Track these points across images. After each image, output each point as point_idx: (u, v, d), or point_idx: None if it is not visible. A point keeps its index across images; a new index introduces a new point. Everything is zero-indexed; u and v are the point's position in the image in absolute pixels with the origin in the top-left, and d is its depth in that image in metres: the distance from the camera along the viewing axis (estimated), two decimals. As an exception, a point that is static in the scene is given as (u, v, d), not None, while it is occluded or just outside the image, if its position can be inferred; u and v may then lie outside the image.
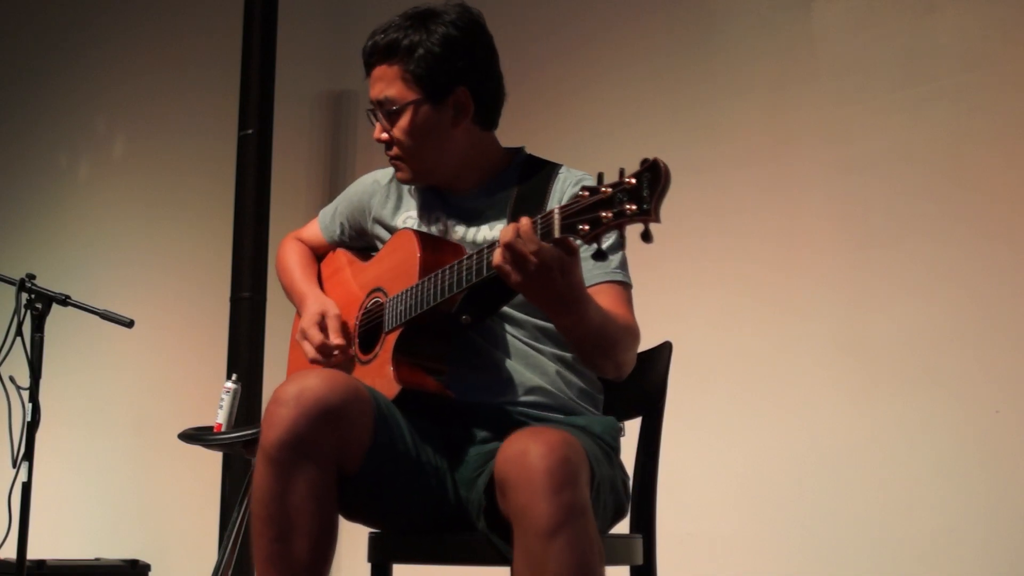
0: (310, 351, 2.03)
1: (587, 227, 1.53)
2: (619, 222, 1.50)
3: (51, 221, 5.70)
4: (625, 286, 1.95)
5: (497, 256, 1.65)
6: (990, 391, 2.75)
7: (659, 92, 3.52)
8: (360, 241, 2.22)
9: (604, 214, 1.51)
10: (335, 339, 2.01)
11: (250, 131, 4.29)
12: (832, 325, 3.03)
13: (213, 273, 4.51)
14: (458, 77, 1.97)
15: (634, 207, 1.48)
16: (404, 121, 1.97)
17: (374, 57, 1.99)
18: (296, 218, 4.32)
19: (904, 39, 3.01)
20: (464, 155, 2.03)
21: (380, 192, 2.16)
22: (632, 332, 1.89)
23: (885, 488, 2.87)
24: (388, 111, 1.98)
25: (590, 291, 1.82)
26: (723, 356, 3.19)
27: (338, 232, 2.25)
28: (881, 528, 2.86)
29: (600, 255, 1.56)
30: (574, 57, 3.82)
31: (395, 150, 2.01)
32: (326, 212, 2.29)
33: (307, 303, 2.13)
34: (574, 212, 1.55)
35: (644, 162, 1.49)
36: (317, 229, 2.30)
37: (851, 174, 3.06)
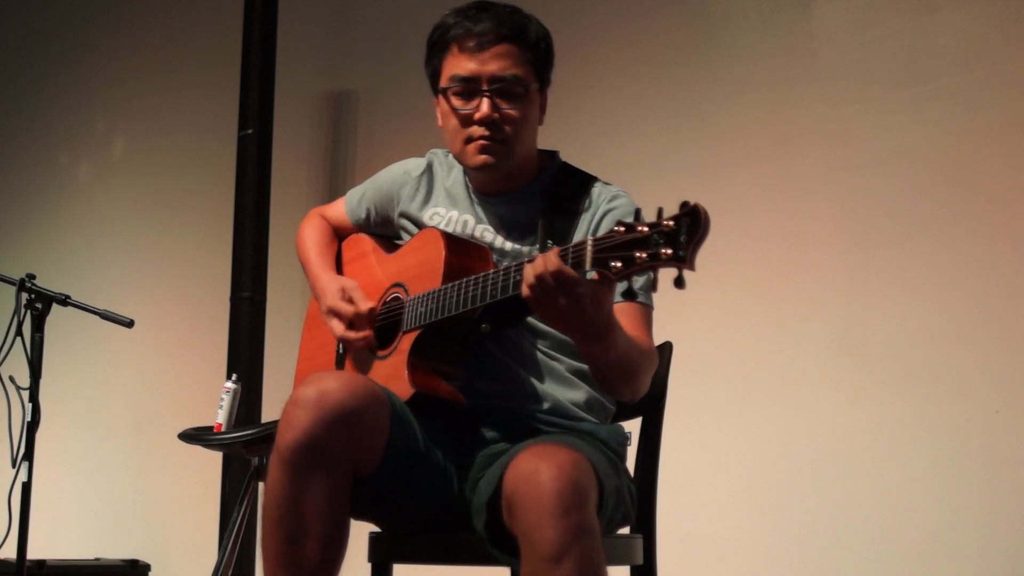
0: (338, 328, 2.00)
1: (619, 264, 1.50)
2: (652, 264, 1.47)
3: (51, 221, 5.70)
4: (645, 307, 1.93)
5: (525, 289, 1.63)
6: (990, 391, 2.74)
7: (659, 92, 3.52)
8: (385, 229, 2.20)
9: (638, 254, 1.48)
10: (364, 307, 1.99)
11: (250, 131, 4.29)
12: (832, 325, 3.03)
13: (213, 273, 4.51)
14: (550, 78, 2.02)
15: (669, 252, 1.45)
16: (528, 103, 1.95)
17: (493, 33, 1.93)
18: (296, 218, 4.30)
19: (904, 39, 3.01)
20: (532, 152, 2.03)
21: (410, 184, 2.13)
22: (652, 359, 1.88)
23: (885, 488, 2.87)
24: (511, 90, 1.93)
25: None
26: (723, 356, 3.19)
27: (364, 216, 2.22)
28: (881, 528, 2.86)
29: (630, 294, 1.55)
30: (574, 57, 3.80)
31: (505, 131, 1.95)
32: (354, 194, 2.26)
33: (322, 283, 2.11)
34: (608, 247, 1.52)
35: (684, 206, 1.46)
36: (343, 209, 2.26)
37: (851, 174, 3.06)
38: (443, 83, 1.97)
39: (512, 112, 1.94)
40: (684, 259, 1.44)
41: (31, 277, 2.93)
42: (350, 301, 2.01)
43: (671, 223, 1.46)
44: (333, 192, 4.55)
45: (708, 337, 3.19)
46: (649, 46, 3.59)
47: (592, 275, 1.57)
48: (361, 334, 1.98)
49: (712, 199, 3.32)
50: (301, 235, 2.27)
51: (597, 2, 3.79)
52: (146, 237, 5.19)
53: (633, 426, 2.10)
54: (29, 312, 2.90)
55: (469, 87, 1.94)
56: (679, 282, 1.46)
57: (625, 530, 2.02)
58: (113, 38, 5.62)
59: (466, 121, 1.95)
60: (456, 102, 1.96)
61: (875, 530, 2.86)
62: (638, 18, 3.63)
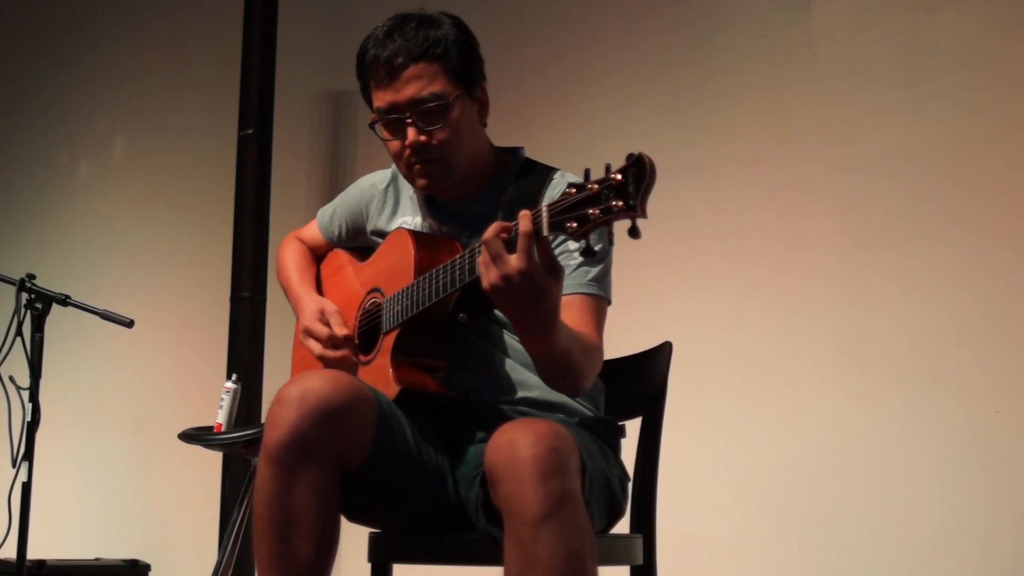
0: (316, 348, 2.01)
1: (575, 224, 1.52)
2: (606, 218, 1.49)
3: (51, 221, 5.70)
4: (598, 299, 1.91)
5: (479, 266, 1.64)
6: (990, 391, 2.75)
7: (659, 92, 3.52)
8: (358, 242, 2.22)
9: (591, 211, 1.50)
10: (340, 330, 2.00)
11: (250, 131, 4.29)
12: (832, 325, 3.03)
13: (213, 273, 4.51)
14: (480, 72, 1.99)
15: (620, 203, 1.47)
16: (454, 116, 1.92)
17: (401, 57, 1.91)
18: (296, 218, 4.33)
19: (904, 39, 3.01)
20: (481, 154, 2.01)
21: (378, 197, 2.15)
22: (596, 355, 1.85)
23: (885, 488, 2.87)
24: (431, 110, 1.91)
25: (562, 300, 1.77)
26: (723, 356, 3.19)
27: (336, 233, 2.25)
28: (881, 528, 2.86)
29: (589, 252, 1.55)
30: (574, 57, 3.82)
31: (437, 152, 1.93)
32: (324, 213, 2.28)
33: (303, 303, 2.13)
34: (561, 209, 1.54)
35: (629, 157, 1.48)
36: (316, 230, 2.29)
37: (851, 174, 3.06)
38: (372, 118, 1.98)
39: (439, 131, 1.92)
40: (635, 208, 1.46)
41: (31, 277, 2.93)
42: (327, 324, 2.02)
43: (618, 176, 1.48)
44: (333, 192, 4.52)
45: (708, 337, 3.19)
46: (649, 46, 3.59)
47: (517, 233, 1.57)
48: (338, 353, 1.99)
49: (712, 199, 3.36)
50: (281, 260, 2.30)
51: (598, 2, 3.79)
52: (146, 237, 5.19)
53: (633, 426, 2.10)
54: (29, 312, 2.90)
55: (392, 117, 1.94)
56: (633, 231, 1.47)
57: (625, 530, 2.02)
58: (113, 38, 5.62)
59: (399, 150, 1.96)
60: (385, 134, 1.97)
61: (875, 530, 2.86)
62: (638, 18, 3.64)
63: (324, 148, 4.71)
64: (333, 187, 4.57)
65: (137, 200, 5.30)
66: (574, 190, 1.53)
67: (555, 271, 1.62)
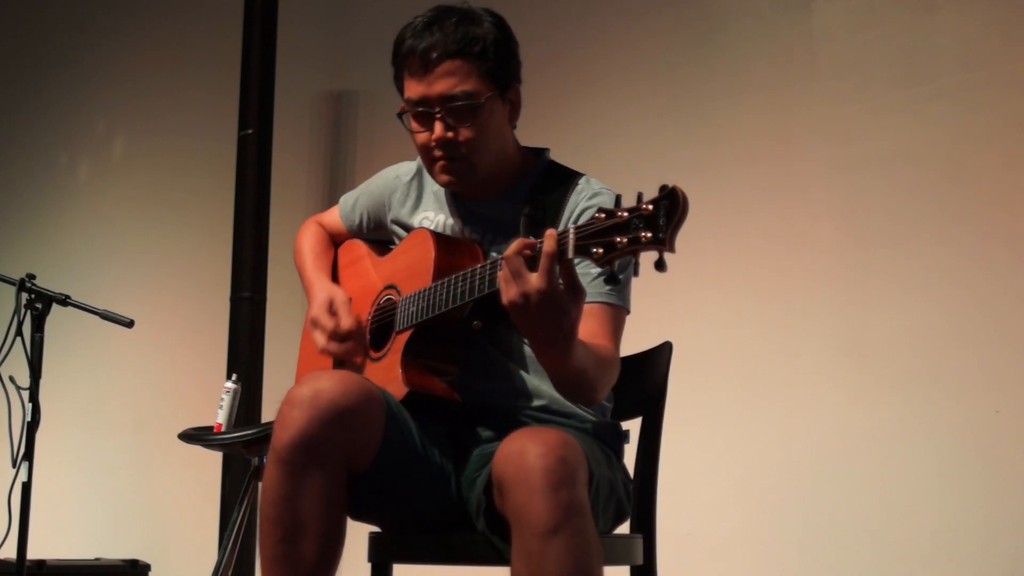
0: (321, 339, 1.99)
1: (601, 251, 1.50)
2: (633, 248, 1.47)
3: (51, 221, 5.71)
4: (617, 309, 1.89)
5: (500, 280, 1.63)
6: (990, 391, 2.75)
7: (659, 92, 3.52)
8: (379, 234, 2.20)
9: (619, 239, 1.48)
10: (346, 323, 1.97)
11: (250, 131, 4.29)
12: (832, 325, 3.03)
13: (213, 273, 4.51)
14: (515, 74, 1.97)
15: (649, 235, 1.45)
16: (483, 117, 1.90)
17: (438, 52, 1.88)
18: (296, 218, 4.32)
19: (904, 39, 3.01)
20: (506, 156, 1.99)
21: (400, 189, 2.13)
22: (612, 369, 1.84)
23: (885, 488, 2.87)
24: (461, 108, 1.89)
25: None
26: (723, 356, 3.19)
27: (357, 222, 2.22)
28: (881, 528, 2.86)
29: (612, 279, 1.54)
30: (574, 57, 3.82)
31: (462, 150, 1.91)
32: (347, 200, 2.25)
33: (315, 291, 2.11)
34: (589, 234, 1.52)
35: (663, 188, 1.46)
36: (337, 216, 2.27)
37: (851, 174, 3.06)
38: (401, 107, 1.96)
39: (466, 130, 1.90)
40: (663, 242, 1.45)
41: (31, 277, 2.93)
42: (335, 315, 2.00)
43: (650, 207, 1.47)
44: (333, 192, 4.54)
45: (708, 337, 3.19)
46: (649, 46, 3.59)
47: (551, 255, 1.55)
48: (343, 347, 1.97)
49: (712, 199, 3.36)
50: (298, 243, 2.28)
51: (598, 2, 3.79)
52: (146, 237, 5.19)
53: (633, 426, 2.10)
54: (29, 312, 2.90)
55: (422, 110, 1.92)
56: (660, 265, 1.45)
57: (625, 530, 2.02)
58: (113, 38, 5.62)
59: (425, 143, 1.94)
60: (413, 125, 1.95)
61: (875, 530, 2.86)
62: (638, 18, 3.64)
63: (324, 148, 4.71)
64: (333, 187, 4.57)
65: (137, 200, 5.31)
66: (603, 215, 1.51)
67: (576, 293, 1.60)
